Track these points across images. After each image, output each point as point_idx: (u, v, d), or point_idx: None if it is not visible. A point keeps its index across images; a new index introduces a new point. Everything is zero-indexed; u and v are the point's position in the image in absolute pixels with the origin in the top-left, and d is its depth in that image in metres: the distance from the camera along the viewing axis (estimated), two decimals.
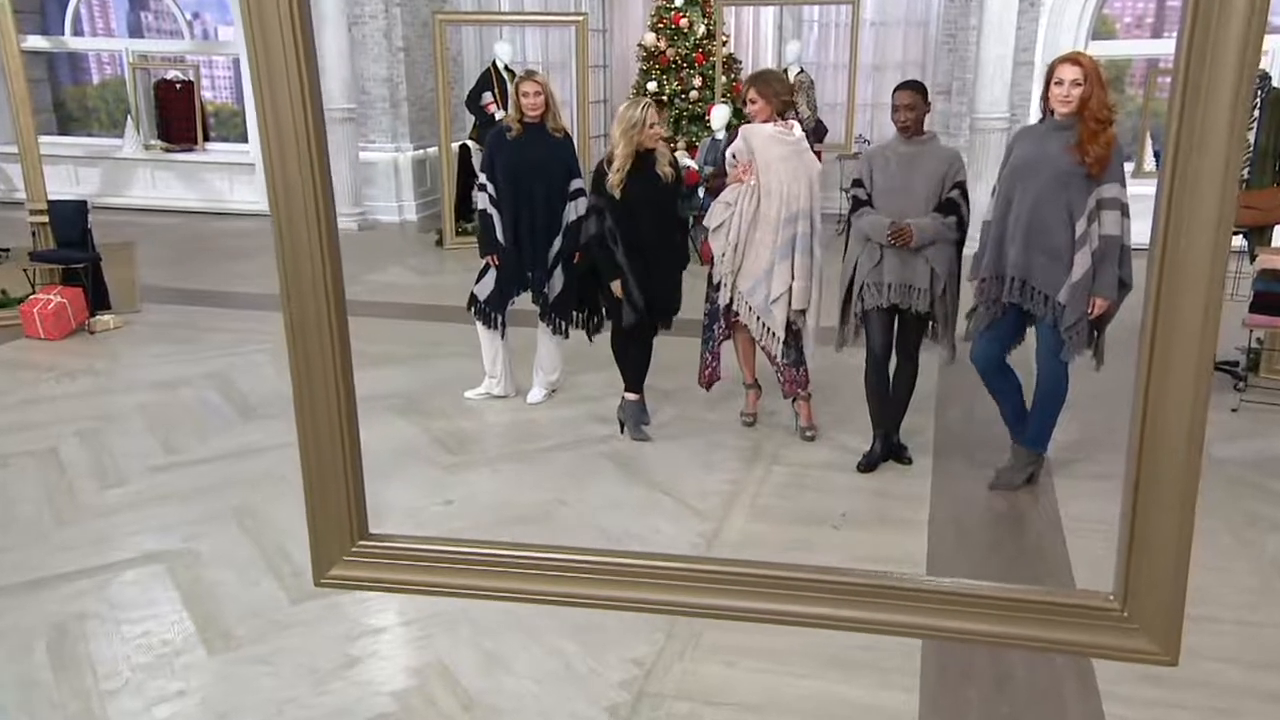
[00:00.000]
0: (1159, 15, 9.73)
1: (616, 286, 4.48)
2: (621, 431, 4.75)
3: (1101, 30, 8.79)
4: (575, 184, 4.82)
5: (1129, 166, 7.78)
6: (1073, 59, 3.76)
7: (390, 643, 3.17)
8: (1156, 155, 8.85)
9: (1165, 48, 9.10)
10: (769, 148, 4.36)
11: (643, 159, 4.40)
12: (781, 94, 4.44)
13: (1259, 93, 5.89)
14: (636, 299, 4.47)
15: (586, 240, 4.56)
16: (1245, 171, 5.89)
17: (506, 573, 1.06)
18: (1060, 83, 3.69)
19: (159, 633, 3.19)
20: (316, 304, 0.96)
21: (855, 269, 4.24)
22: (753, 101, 4.40)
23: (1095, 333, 3.91)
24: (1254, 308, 4.93)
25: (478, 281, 4.96)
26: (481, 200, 4.87)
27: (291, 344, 0.94)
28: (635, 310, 4.49)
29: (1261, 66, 6.53)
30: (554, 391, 5.23)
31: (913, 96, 4.06)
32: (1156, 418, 0.86)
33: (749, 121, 4.51)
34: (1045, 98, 3.80)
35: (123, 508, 4.05)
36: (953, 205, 4.10)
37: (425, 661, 3.06)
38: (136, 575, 3.54)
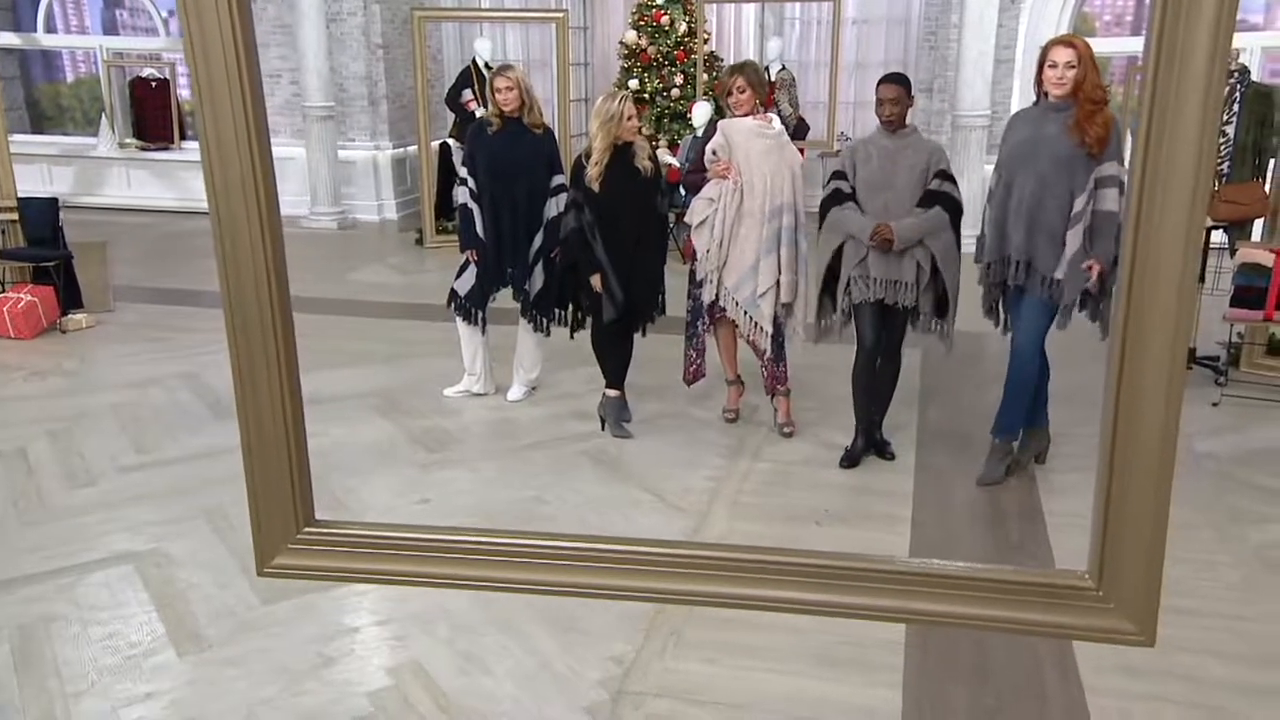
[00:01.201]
0: (1138, 13, 9.78)
1: (596, 281, 4.43)
2: (602, 429, 4.70)
3: (1082, 28, 8.81)
4: (557, 180, 4.77)
5: None
6: (1067, 41, 3.76)
7: (365, 642, 3.11)
8: None
9: (1143, 45, 9.12)
10: (750, 142, 4.32)
11: (621, 152, 4.36)
12: (764, 85, 4.42)
13: (1239, 88, 5.91)
14: (616, 293, 4.42)
15: (565, 234, 4.51)
16: (1225, 166, 5.90)
17: (462, 559, 1.01)
18: (1054, 65, 3.69)
19: (127, 634, 3.12)
20: (256, 273, 0.91)
21: (840, 261, 4.18)
22: (741, 90, 4.35)
23: (1099, 304, 3.90)
24: (1234, 302, 4.93)
25: (458, 277, 4.91)
26: (462, 195, 4.81)
27: (229, 314, 0.89)
28: (615, 305, 4.44)
29: (1242, 61, 6.57)
30: (534, 389, 5.18)
31: (897, 90, 4.04)
32: (1131, 383, 0.82)
33: (730, 114, 4.46)
34: (1039, 80, 3.79)
35: (92, 508, 3.97)
36: (935, 196, 4.05)
37: (401, 661, 3.00)
38: (105, 576, 3.46)
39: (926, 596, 0.97)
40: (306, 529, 0.99)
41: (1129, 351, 0.83)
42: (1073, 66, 3.66)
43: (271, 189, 0.95)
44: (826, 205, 4.20)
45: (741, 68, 4.52)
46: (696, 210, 4.45)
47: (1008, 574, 0.94)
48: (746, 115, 4.36)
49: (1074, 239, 3.73)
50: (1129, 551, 0.90)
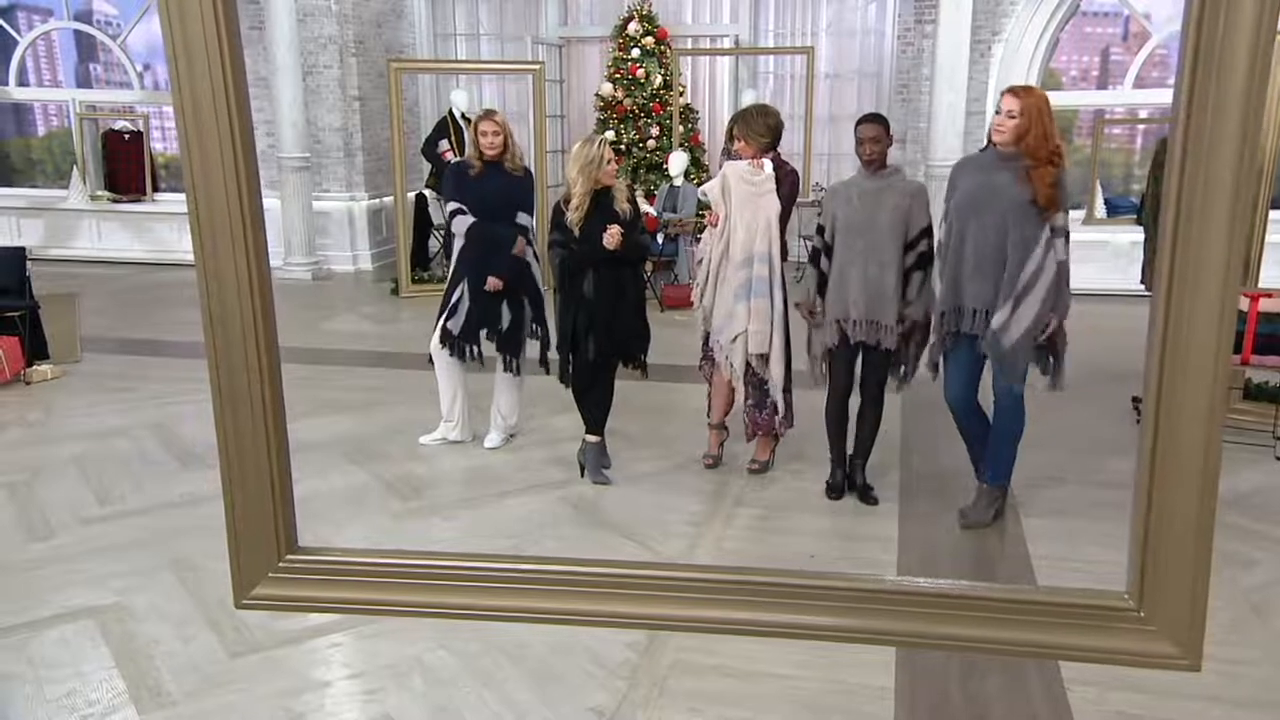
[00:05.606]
0: (1103, 69, 10.04)
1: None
2: (582, 475, 4.62)
3: (1049, 83, 9.00)
4: (521, 218, 4.76)
5: (1079, 214, 7.92)
6: (1016, 91, 3.76)
7: (336, 697, 2.97)
8: (1107, 203, 9.01)
9: (1110, 99, 9.35)
10: (739, 186, 4.32)
11: (601, 196, 4.34)
12: (762, 134, 4.31)
13: None
14: (599, 334, 4.39)
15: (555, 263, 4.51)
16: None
17: (453, 586, 0.94)
18: (998, 111, 3.74)
19: (85, 692, 2.97)
20: (239, 280, 0.85)
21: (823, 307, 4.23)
22: (734, 140, 4.39)
23: (1050, 358, 3.89)
24: None
25: (450, 317, 4.79)
26: (463, 222, 4.68)
27: (208, 318, 0.83)
28: (595, 345, 4.39)
29: None
30: (512, 436, 5.09)
31: (876, 129, 4.08)
32: (1174, 379, 0.78)
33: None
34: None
35: (50, 562, 3.81)
36: (924, 259, 4.10)
37: (374, 716, 2.87)
38: (62, 632, 3.30)
39: (951, 620, 0.91)
40: (289, 556, 0.92)
41: (1170, 345, 0.79)
42: (1013, 116, 3.66)
43: (258, 219, 0.90)
44: (812, 261, 4.31)
45: (734, 117, 4.52)
46: (700, 249, 4.52)
47: (1042, 595, 0.88)
48: (750, 159, 4.34)
49: (1029, 307, 3.72)
50: (1172, 568, 0.84)
